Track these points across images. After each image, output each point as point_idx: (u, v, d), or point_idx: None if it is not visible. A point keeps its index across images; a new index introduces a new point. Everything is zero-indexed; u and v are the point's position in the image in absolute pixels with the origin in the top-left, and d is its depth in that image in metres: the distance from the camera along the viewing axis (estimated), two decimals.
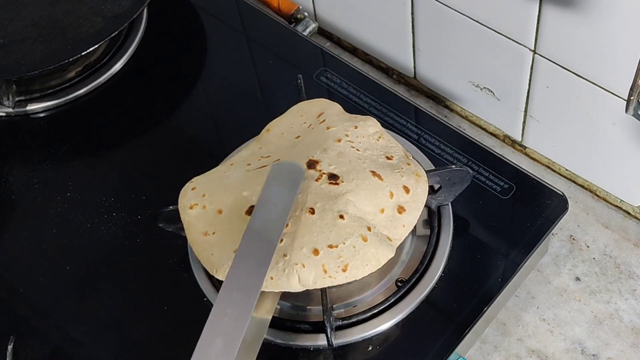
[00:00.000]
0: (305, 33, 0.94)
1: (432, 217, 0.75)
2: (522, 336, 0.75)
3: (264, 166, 0.70)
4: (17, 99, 0.87)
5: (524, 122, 0.84)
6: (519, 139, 0.87)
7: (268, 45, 0.92)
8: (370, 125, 0.73)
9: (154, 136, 0.86)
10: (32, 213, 0.80)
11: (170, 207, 0.71)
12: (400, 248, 0.73)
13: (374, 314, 0.70)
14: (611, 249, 0.80)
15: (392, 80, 0.95)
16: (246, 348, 0.61)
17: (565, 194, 0.77)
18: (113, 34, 0.86)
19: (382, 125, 0.81)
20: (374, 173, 0.68)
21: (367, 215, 0.67)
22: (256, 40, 0.93)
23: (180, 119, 0.87)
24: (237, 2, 0.96)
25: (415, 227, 0.74)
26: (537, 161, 0.87)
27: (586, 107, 0.77)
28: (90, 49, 0.84)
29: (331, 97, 0.85)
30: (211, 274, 0.66)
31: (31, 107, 0.88)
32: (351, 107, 0.84)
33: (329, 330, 0.66)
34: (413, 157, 0.78)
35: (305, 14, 0.96)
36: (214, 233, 0.67)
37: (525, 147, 0.87)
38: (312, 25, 0.96)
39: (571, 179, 0.85)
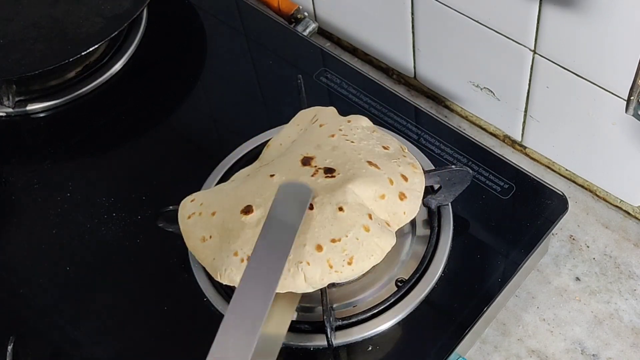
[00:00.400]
0: (305, 33, 0.94)
1: (432, 217, 0.75)
2: (522, 336, 0.75)
3: (259, 167, 0.70)
4: (17, 99, 0.87)
5: (524, 122, 0.84)
6: (519, 139, 0.87)
7: (268, 45, 0.92)
8: (363, 120, 0.73)
9: (154, 136, 0.86)
10: (32, 213, 0.80)
11: (170, 207, 0.71)
12: (400, 248, 0.73)
13: (374, 314, 0.70)
14: (611, 249, 0.80)
15: (392, 80, 0.95)
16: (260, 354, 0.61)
17: (565, 194, 0.77)
18: (113, 34, 0.86)
19: (382, 125, 0.81)
20: (370, 163, 0.68)
21: (367, 200, 0.66)
22: (256, 40, 0.93)
23: (180, 119, 0.87)
24: (237, 2, 0.96)
25: (415, 227, 0.74)
26: (537, 161, 0.87)
27: (586, 107, 0.77)
28: (90, 49, 0.84)
29: (331, 97, 0.85)
30: (215, 279, 0.65)
31: (31, 107, 0.88)
32: (351, 107, 0.84)
33: (329, 330, 0.66)
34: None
35: (305, 14, 0.96)
36: (210, 237, 0.67)
37: (525, 147, 0.87)
38: (312, 25, 0.96)
39: (571, 179, 0.85)
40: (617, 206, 0.82)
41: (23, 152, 0.86)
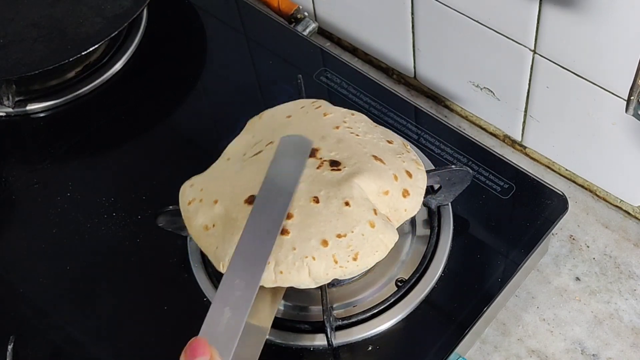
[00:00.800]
0: (305, 33, 0.94)
1: (432, 217, 0.75)
2: (522, 336, 0.75)
3: (259, 152, 0.69)
4: (17, 99, 0.87)
5: (524, 122, 0.84)
6: (519, 139, 0.87)
7: (268, 45, 0.92)
8: (364, 116, 0.73)
9: (154, 136, 0.86)
10: (32, 213, 0.80)
11: (170, 207, 0.71)
12: (400, 248, 0.73)
13: (374, 314, 0.70)
14: (611, 249, 0.80)
15: (392, 80, 0.95)
16: (247, 342, 0.61)
17: (565, 194, 0.77)
18: (113, 34, 0.86)
19: (383, 125, 0.81)
20: (375, 157, 0.67)
21: (372, 195, 0.66)
22: (256, 40, 0.93)
23: (180, 119, 0.87)
24: (237, 2, 0.96)
25: (415, 227, 0.74)
26: (537, 161, 0.87)
27: (586, 107, 0.77)
28: (90, 49, 0.84)
29: (331, 97, 0.85)
30: (217, 269, 0.65)
31: (31, 107, 0.88)
32: (351, 107, 0.83)
33: (329, 330, 0.66)
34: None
35: (305, 14, 0.96)
36: (214, 226, 0.66)
37: (525, 147, 0.87)
38: (312, 25, 0.96)
39: (571, 179, 0.85)
40: (617, 206, 0.82)
41: (23, 152, 0.86)
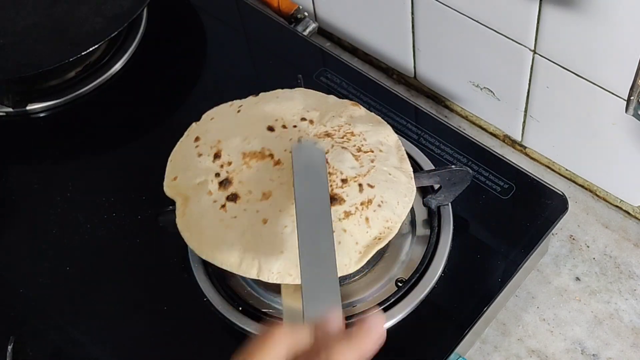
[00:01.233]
0: (305, 33, 0.94)
1: (432, 217, 0.75)
2: (522, 336, 0.75)
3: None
4: (17, 99, 0.87)
5: (524, 122, 0.84)
6: (519, 139, 0.87)
7: (268, 45, 0.92)
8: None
9: (154, 136, 0.86)
10: (32, 213, 0.80)
11: (170, 207, 0.71)
12: (400, 248, 0.73)
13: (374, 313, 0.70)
14: (611, 249, 0.80)
15: (392, 80, 0.95)
16: None
17: (565, 194, 0.77)
18: (113, 34, 0.86)
19: None
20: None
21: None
22: (256, 40, 0.93)
23: (180, 119, 0.87)
24: (237, 2, 0.96)
25: (415, 227, 0.75)
26: (537, 161, 0.87)
27: (586, 107, 0.77)
28: (90, 49, 0.84)
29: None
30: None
31: (31, 107, 0.88)
32: None
33: None
34: (412, 157, 0.78)
35: (305, 14, 0.96)
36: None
37: (525, 147, 0.87)
38: (312, 25, 0.96)
39: (571, 179, 0.85)
40: (617, 206, 0.82)
41: (23, 152, 0.86)
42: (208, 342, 0.70)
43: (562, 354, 0.74)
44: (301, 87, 0.81)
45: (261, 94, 0.75)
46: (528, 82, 0.80)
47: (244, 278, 0.70)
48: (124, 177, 0.82)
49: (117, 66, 0.90)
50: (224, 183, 0.66)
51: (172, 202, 0.71)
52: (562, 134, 0.82)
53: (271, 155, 0.67)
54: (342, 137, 0.69)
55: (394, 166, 0.68)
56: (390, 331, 0.69)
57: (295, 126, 0.70)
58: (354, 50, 0.98)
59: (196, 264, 0.73)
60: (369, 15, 0.91)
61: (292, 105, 0.72)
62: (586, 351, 0.74)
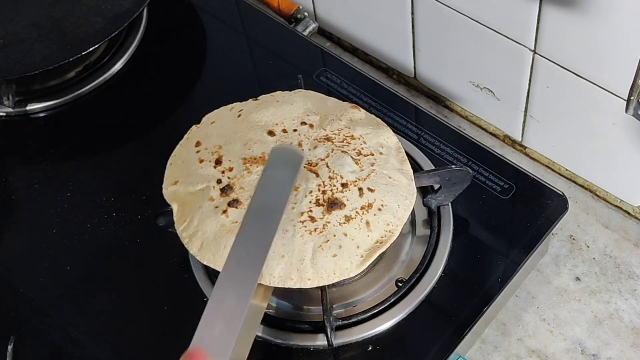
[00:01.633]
0: (305, 33, 0.94)
1: (432, 217, 0.75)
2: (522, 336, 0.75)
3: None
4: (17, 99, 0.87)
5: (524, 122, 0.84)
6: (519, 139, 0.87)
7: (268, 45, 0.92)
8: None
9: (154, 136, 0.86)
10: (32, 213, 0.80)
11: (170, 207, 0.71)
12: (400, 248, 0.73)
13: (374, 314, 0.70)
14: (611, 249, 0.80)
15: (392, 80, 0.95)
16: (242, 336, 0.61)
17: (565, 194, 0.77)
18: (113, 34, 0.86)
19: None
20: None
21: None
22: (256, 40, 0.93)
23: (180, 119, 0.87)
24: (237, 2, 0.96)
25: (415, 227, 0.75)
26: (537, 161, 0.87)
27: (586, 107, 0.77)
28: (90, 49, 0.84)
29: (331, 97, 0.85)
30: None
31: (31, 107, 0.88)
32: None
33: (329, 330, 0.66)
34: (412, 157, 0.78)
35: (305, 14, 0.96)
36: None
37: (525, 147, 0.87)
38: (312, 25, 0.96)
39: (571, 179, 0.85)
40: (617, 206, 0.82)
41: (23, 152, 0.86)
42: None
43: (562, 354, 0.74)
44: (301, 87, 0.81)
45: (261, 98, 0.75)
46: (528, 82, 0.80)
47: None
48: (124, 177, 0.82)
49: (117, 66, 0.90)
50: (226, 189, 0.66)
51: None
52: (562, 134, 0.82)
53: None
54: (342, 141, 0.69)
55: (394, 169, 0.69)
56: (390, 331, 0.69)
57: (295, 130, 0.70)
58: (354, 50, 0.98)
59: (196, 264, 0.73)
60: (369, 15, 0.91)
61: (292, 109, 0.72)
62: (586, 351, 0.74)
